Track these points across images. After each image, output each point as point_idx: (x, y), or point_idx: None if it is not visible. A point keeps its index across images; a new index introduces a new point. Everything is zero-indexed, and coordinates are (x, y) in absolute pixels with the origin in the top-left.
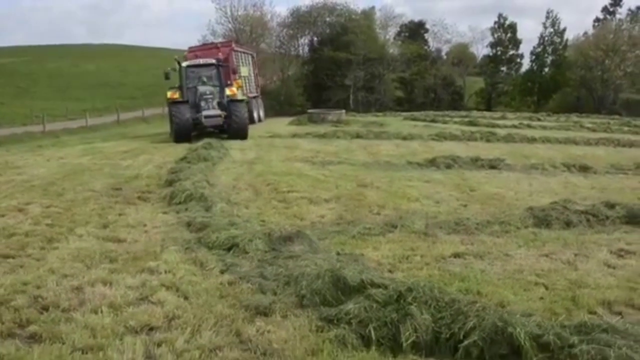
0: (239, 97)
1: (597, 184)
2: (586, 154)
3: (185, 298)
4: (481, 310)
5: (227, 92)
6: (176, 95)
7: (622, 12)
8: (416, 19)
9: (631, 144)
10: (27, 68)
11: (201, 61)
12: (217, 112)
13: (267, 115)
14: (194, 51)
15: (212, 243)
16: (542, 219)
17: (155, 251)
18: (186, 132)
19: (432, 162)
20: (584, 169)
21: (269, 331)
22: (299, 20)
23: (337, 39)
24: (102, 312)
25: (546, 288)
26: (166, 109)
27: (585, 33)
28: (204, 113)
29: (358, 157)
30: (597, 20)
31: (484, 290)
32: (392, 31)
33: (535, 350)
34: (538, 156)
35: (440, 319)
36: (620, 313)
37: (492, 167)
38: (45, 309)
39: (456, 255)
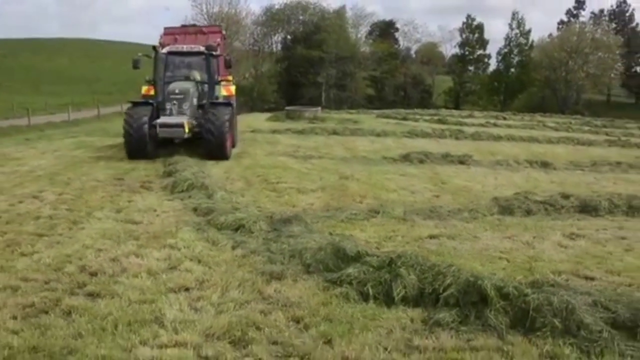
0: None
1: (557, 178)
2: (547, 152)
3: (209, 267)
4: (456, 271)
5: (223, 91)
6: (152, 92)
7: (585, 15)
8: (387, 17)
9: (590, 143)
10: (1, 63)
11: (185, 48)
12: (178, 119)
13: (239, 112)
14: (172, 33)
15: (221, 225)
16: (506, 208)
17: (171, 231)
18: (140, 145)
19: (406, 158)
20: (545, 165)
21: (284, 290)
22: (273, 18)
23: (310, 37)
24: (142, 277)
25: (508, 261)
26: None
27: (550, 35)
28: (159, 120)
29: (337, 152)
30: (561, 22)
31: (457, 262)
32: (363, 30)
33: (499, 298)
34: (503, 153)
35: (424, 279)
36: (567, 280)
37: (461, 162)
38: (94, 274)
39: (432, 237)
